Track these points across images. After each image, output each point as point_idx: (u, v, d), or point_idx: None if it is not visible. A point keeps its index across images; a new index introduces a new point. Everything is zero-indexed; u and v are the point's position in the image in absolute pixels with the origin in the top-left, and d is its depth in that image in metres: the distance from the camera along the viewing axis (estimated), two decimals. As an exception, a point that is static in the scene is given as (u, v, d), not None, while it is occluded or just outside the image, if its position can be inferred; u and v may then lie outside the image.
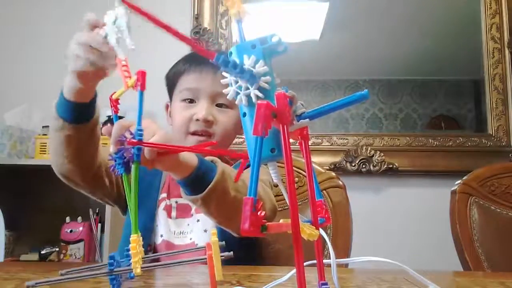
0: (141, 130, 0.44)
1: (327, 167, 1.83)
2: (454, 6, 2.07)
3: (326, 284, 0.32)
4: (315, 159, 1.42)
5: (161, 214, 0.94)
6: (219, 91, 0.92)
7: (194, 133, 0.92)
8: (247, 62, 0.32)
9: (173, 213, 0.94)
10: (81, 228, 1.68)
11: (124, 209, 0.98)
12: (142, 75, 0.42)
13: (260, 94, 0.32)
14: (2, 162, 1.65)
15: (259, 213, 0.27)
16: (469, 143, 1.90)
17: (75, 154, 0.77)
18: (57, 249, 1.72)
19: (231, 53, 0.33)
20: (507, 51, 1.94)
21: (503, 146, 1.89)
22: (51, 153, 0.80)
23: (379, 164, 1.87)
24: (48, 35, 2.05)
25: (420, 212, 1.84)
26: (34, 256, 1.72)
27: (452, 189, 1.17)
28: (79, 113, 0.73)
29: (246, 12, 0.34)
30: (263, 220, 0.27)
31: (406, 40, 2.07)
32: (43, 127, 1.79)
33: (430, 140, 1.92)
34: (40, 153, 1.68)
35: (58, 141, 0.75)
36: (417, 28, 2.07)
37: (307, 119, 0.32)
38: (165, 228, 0.93)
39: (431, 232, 1.75)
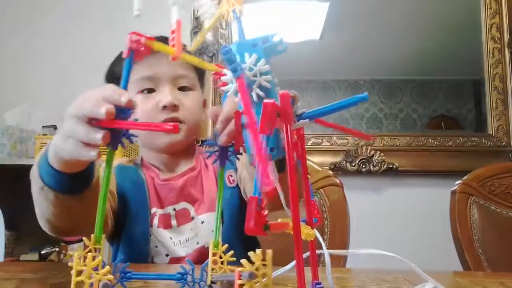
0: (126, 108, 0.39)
1: (327, 167, 1.83)
2: (454, 6, 2.07)
3: (320, 283, 0.32)
4: (315, 159, 1.42)
5: (158, 232, 0.84)
6: (180, 73, 0.86)
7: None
8: (248, 60, 0.32)
9: (174, 222, 0.85)
10: (81, 228, 1.68)
11: (111, 239, 0.87)
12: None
13: (261, 93, 0.32)
14: (2, 162, 1.65)
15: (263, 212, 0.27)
16: (469, 143, 1.90)
17: (78, 218, 0.62)
18: (57, 249, 1.72)
19: (230, 50, 0.33)
20: (507, 51, 1.94)
21: (503, 146, 1.89)
22: (36, 210, 0.65)
23: (379, 164, 1.87)
24: (48, 35, 2.05)
25: (420, 212, 1.84)
26: (34, 256, 1.72)
27: (452, 189, 1.17)
28: (70, 184, 0.57)
29: (242, 11, 0.34)
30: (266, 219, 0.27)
31: (406, 40, 2.07)
32: (43, 127, 1.79)
33: (430, 140, 1.92)
34: (40, 153, 1.68)
35: (51, 210, 0.61)
36: (417, 28, 2.07)
37: (307, 120, 0.32)
38: (168, 244, 0.83)
39: (431, 232, 1.75)
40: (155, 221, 0.85)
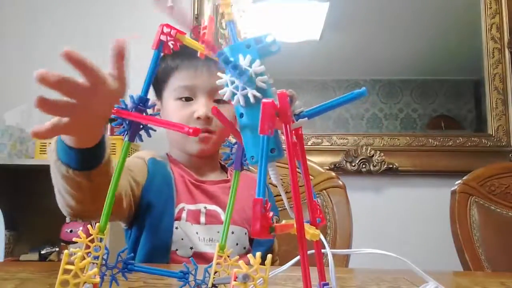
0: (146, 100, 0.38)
1: (327, 167, 1.83)
2: (454, 6, 2.07)
3: (327, 284, 0.32)
4: (315, 159, 1.42)
5: (186, 226, 0.87)
6: (216, 86, 0.89)
7: None
8: (243, 62, 0.32)
9: (203, 219, 0.88)
10: (81, 228, 1.68)
11: (131, 224, 0.89)
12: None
13: (258, 94, 0.31)
14: (2, 162, 1.65)
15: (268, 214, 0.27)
16: (469, 143, 1.90)
17: (88, 198, 0.65)
18: (57, 249, 1.72)
19: (225, 52, 0.33)
20: (507, 51, 1.94)
21: (503, 146, 1.89)
22: (57, 193, 0.68)
23: (379, 164, 1.87)
24: (48, 35, 2.05)
25: (420, 212, 1.84)
26: (34, 256, 1.72)
27: (452, 189, 1.17)
28: (85, 160, 0.60)
29: (236, 13, 0.34)
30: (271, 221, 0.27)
31: (406, 40, 2.07)
32: (43, 127, 1.79)
33: (430, 140, 1.92)
34: (40, 153, 1.68)
35: (64, 186, 0.64)
36: (417, 28, 2.07)
37: (306, 118, 0.31)
38: (193, 238, 0.86)
39: (431, 232, 1.75)
40: (184, 214, 0.87)
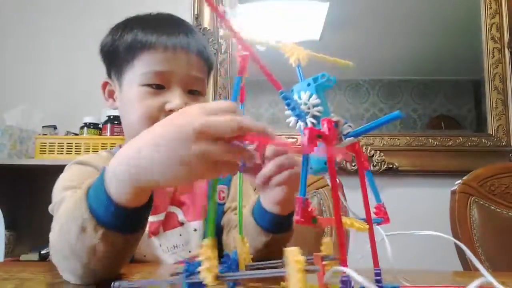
0: None
1: (327, 167, 1.83)
2: (454, 6, 2.07)
3: (379, 270, 0.39)
4: (315, 159, 1.42)
5: (150, 241, 0.77)
6: (194, 74, 0.76)
7: None
8: (303, 97, 0.40)
9: (160, 228, 0.78)
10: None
11: None
12: (243, 58, 0.42)
13: (313, 121, 0.39)
14: (2, 162, 1.65)
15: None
16: (469, 143, 1.90)
17: (109, 265, 0.51)
18: (57, 249, 1.72)
19: (292, 90, 0.41)
20: (507, 51, 1.94)
21: (503, 146, 1.89)
22: (60, 255, 0.53)
23: (379, 164, 1.87)
24: (49, 35, 2.05)
25: (420, 212, 1.84)
26: (34, 256, 1.72)
27: (452, 189, 1.17)
28: (133, 220, 0.49)
29: (306, 57, 0.44)
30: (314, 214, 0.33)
31: (406, 40, 2.07)
32: (43, 127, 1.79)
33: (430, 140, 1.92)
34: (40, 153, 1.68)
35: (82, 247, 0.49)
36: (417, 28, 2.07)
37: (352, 137, 0.39)
38: (157, 252, 0.76)
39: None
40: (146, 229, 0.77)
